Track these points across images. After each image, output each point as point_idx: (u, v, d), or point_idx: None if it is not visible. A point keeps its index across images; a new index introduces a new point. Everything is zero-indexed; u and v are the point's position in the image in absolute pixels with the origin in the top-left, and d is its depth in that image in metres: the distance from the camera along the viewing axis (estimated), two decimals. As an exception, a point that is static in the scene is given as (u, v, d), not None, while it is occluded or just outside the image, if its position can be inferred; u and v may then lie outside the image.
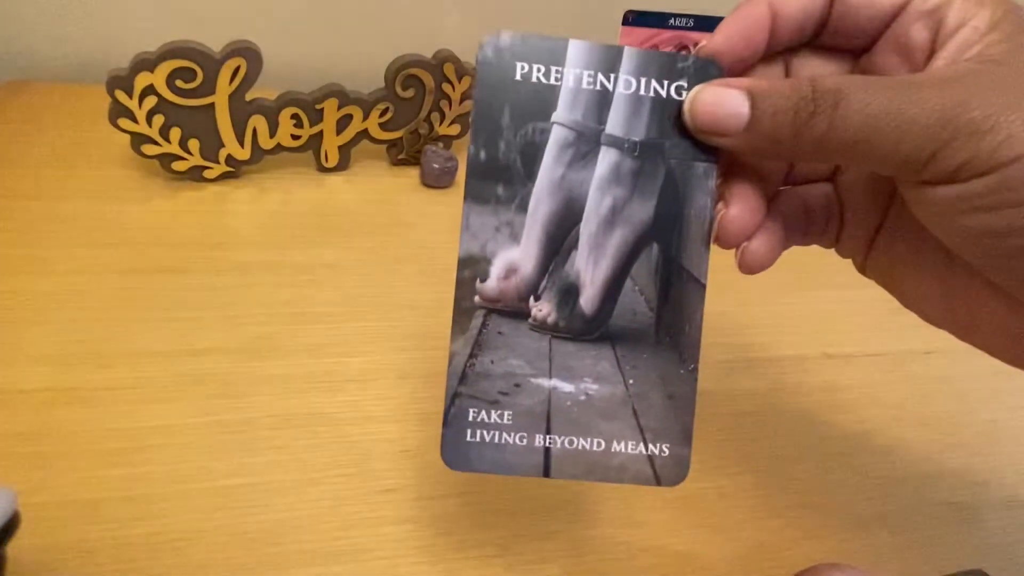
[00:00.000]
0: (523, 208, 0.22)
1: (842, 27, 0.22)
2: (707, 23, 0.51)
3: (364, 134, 0.51)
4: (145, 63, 0.42)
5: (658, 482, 0.22)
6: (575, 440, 0.22)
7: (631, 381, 0.22)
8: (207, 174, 0.48)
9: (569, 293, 0.22)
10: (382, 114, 0.50)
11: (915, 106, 0.18)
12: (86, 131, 0.51)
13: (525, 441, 0.22)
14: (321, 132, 0.49)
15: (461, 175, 0.53)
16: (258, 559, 0.26)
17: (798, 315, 0.44)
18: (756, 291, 0.45)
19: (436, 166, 0.51)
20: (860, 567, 0.24)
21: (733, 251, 0.23)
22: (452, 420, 0.22)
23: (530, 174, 0.22)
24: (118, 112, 0.43)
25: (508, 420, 0.22)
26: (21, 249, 0.40)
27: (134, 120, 0.44)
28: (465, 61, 0.50)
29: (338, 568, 0.27)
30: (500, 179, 0.21)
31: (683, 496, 0.31)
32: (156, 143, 0.45)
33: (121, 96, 0.43)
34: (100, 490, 0.28)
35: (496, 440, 0.22)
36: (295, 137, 0.48)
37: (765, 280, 0.46)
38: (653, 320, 0.22)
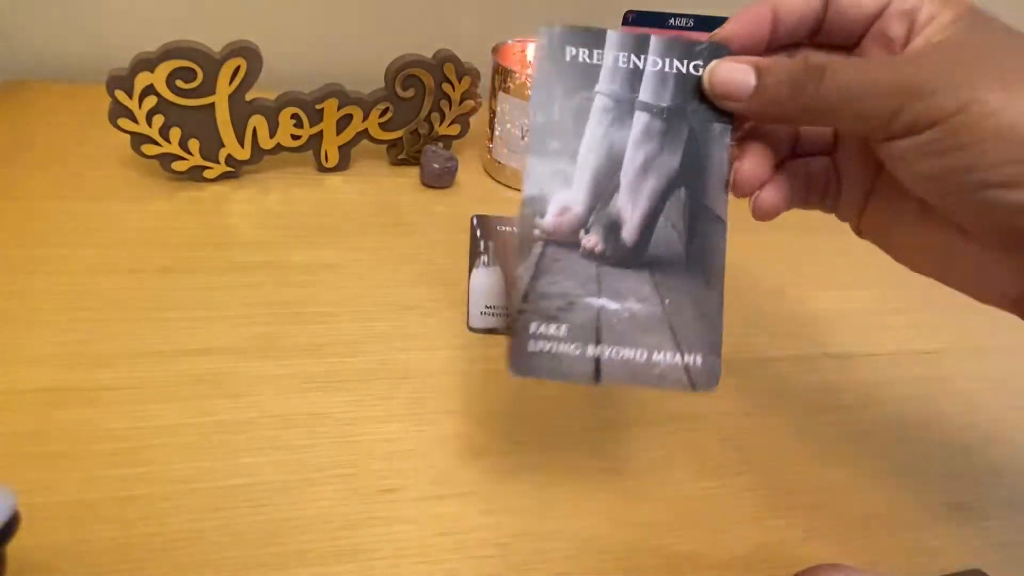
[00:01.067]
0: (574, 159, 0.26)
1: (834, 26, 0.26)
2: (707, 23, 0.51)
3: (364, 134, 0.51)
4: (145, 63, 0.42)
5: (693, 387, 0.25)
6: (621, 351, 0.25)
7: (667, 301, 0.26)
8: (207, 174, 0.48)
9: (613, 227, 0.26)
10: (382, 114, 0.50)
11: (883, 75, 0.23)
12: (86, 131, 0.51)
13: (579, 352, 0.25)
14: (321, 132, 0.49)
15: (461, 175, 0.53)
16: (258, 559, 0.26)
17: (798, 315, 0.44)
18: (756, 291, 0.45)
19: (436, 166, 0.51)
20: (860, 567, 0.24)
21: (746, 212, 0.27)
22: (518, 333, 0.25)
23: (579, 133, 0.26)
24: (118, 112, 0.43)
25: (564, 333, 0.25)
26: (21, 249, 0.40)
27: (134, 120, 0.44)
28: (466, 61, 0.50)
29: (338, 568, 0.27)
30: (555, 136, 0.26)
31: (683, 496, 0.31)
32: (156, 143, 0.45)
33: (121, 96, 0.43)
34: (100, 490, 0.28)
35: (554, 351, 0.25)
36: (295, 137, 0.48)
37: (765, 280, 0.46)
38: (684, 251, 0.26)
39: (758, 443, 0.35)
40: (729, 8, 0.25)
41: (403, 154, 0.53)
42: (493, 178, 0.54)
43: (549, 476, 0.31)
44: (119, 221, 0.43)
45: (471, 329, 0.39)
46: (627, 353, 0.25)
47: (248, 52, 0.44)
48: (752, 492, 0.32)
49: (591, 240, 0.26)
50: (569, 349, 0.25)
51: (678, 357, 0.25)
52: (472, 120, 0.54)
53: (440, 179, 0.51)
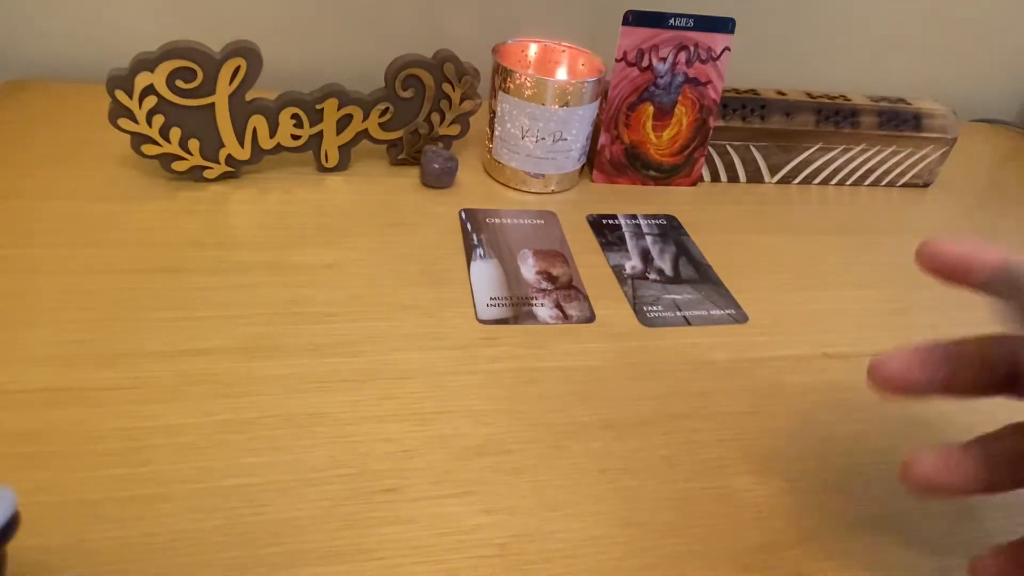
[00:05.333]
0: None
1: None
2: (707, 23, 0.51)
3: (364, 134, 0.51)
4: (145, 63, 0.42)
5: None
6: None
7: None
8: (207, 174, 0.48)
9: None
10: (382, 114, 0.50)
11: None
12: (86, 131, 0.51)
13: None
14: (321, 132, 0.49)
15: (461, 175, 0.53)
16: (258, 559, 0.26)
17: (798, 315, 0.44)
18: (756, 291, 0.45)
19: (436, 166, 0.51)
20: None
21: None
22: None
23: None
24: (118, 112, 0.43)
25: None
26: (21, 249, 0.40)
27: (134, 120, 0.44)
28: (466, 61, 0.50)
29: (338, 568, 0.27)
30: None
31: (683, 496, 0.31)
32: (156, 143, 0.45)
33: (121, 96, 0.43)
34: (100, 490, 0.28)
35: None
36: (295, 137, 0.48)
37: (765, 280, 0.46)
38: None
39: (758, 443, 0.35)
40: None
41: (403, 154, 0.53)
42: (493, 178, 0.54)
43: (549, 476, 0.31)
44: (119, 221, 0.43)
45: (480, 321, 0.40)
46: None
47: (248, 52, 0.44)
48: (752, 492, 0.32)
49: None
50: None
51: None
52: (472, 120, 0.54)
53: (440, 179, 0.51)
